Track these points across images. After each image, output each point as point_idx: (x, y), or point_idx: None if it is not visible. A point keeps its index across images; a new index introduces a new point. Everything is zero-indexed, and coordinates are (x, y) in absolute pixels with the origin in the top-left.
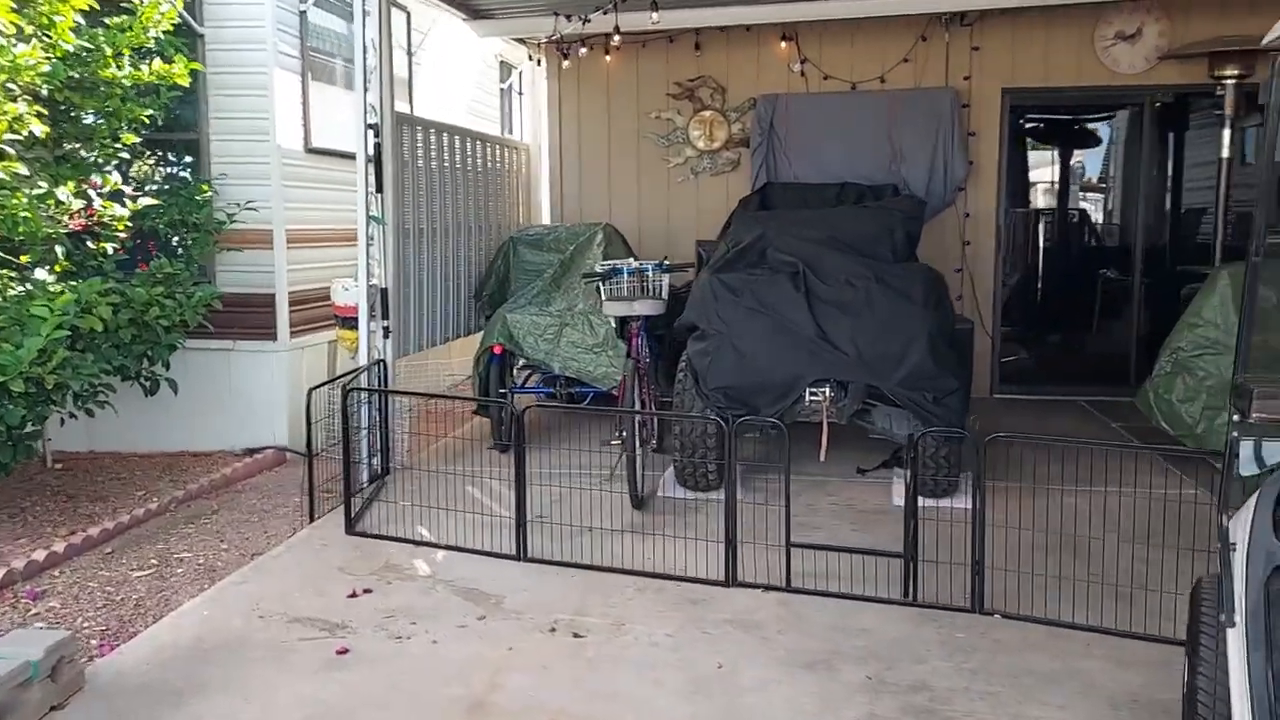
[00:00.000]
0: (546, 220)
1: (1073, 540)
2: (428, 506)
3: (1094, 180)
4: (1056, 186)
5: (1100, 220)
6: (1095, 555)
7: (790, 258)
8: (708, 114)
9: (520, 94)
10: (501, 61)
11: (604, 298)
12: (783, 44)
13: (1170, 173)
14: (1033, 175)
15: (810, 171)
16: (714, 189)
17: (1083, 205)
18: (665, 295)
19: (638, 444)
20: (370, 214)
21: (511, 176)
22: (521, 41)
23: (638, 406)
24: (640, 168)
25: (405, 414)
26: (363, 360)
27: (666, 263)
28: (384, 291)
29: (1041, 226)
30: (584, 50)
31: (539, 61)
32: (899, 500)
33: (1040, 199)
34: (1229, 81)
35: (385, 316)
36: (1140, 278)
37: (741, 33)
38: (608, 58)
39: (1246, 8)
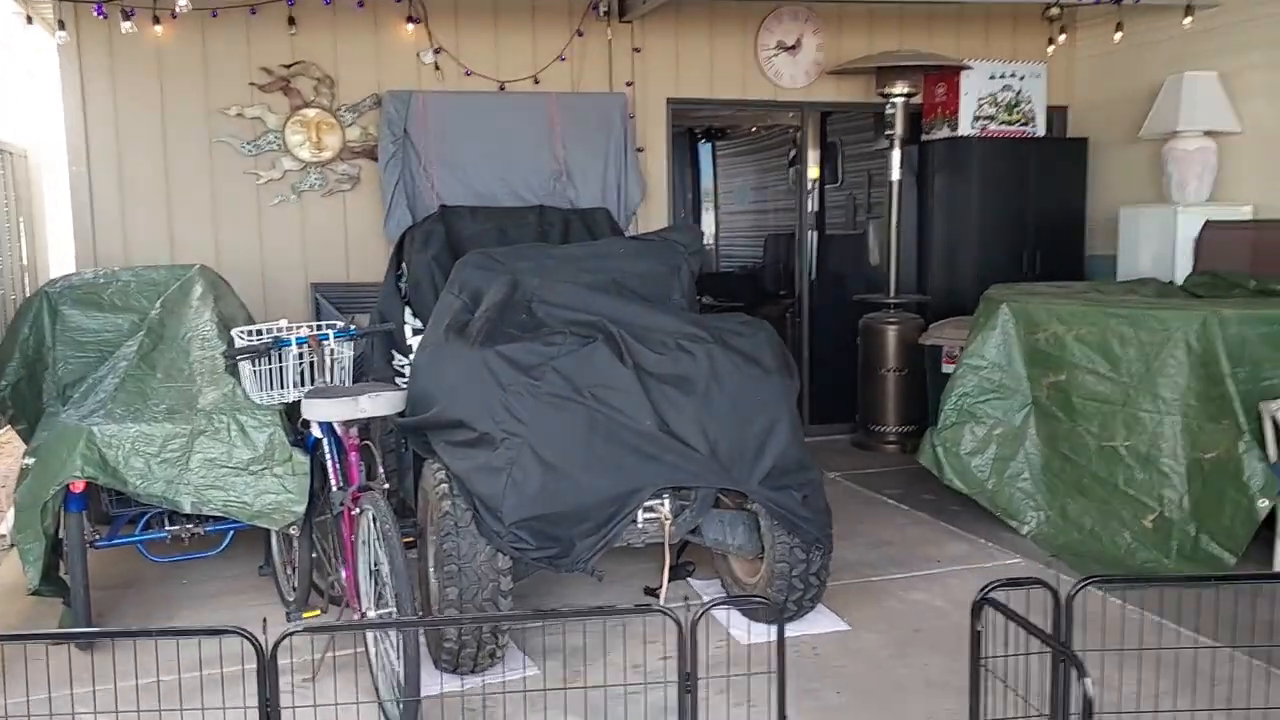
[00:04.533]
0: (62, 266)
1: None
2: None
3: (758, 203)
4: (721, 210)
5: (766, 248)
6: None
7: (584, 314)
8: (312, 113)
9: None
10: None
11: (257, 387)
12: (408, 26)
13: (836, 195)
14: (699, 197)
15: (459, 191)
16: (327, 213)
17: (748, 231)
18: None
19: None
20: None
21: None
22: None
23: (398, 566)
24: (216, 184)
25: None
26: None
27: (354, 328)
28: None
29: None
30: (126, 25)
31: (61, 25)
32: (744, 636)
33: (706, 224)
34: (898, 99)
35: None
36: (810, 310)
37: (352, 7)
38: (158, 28)
39: (893, 24)
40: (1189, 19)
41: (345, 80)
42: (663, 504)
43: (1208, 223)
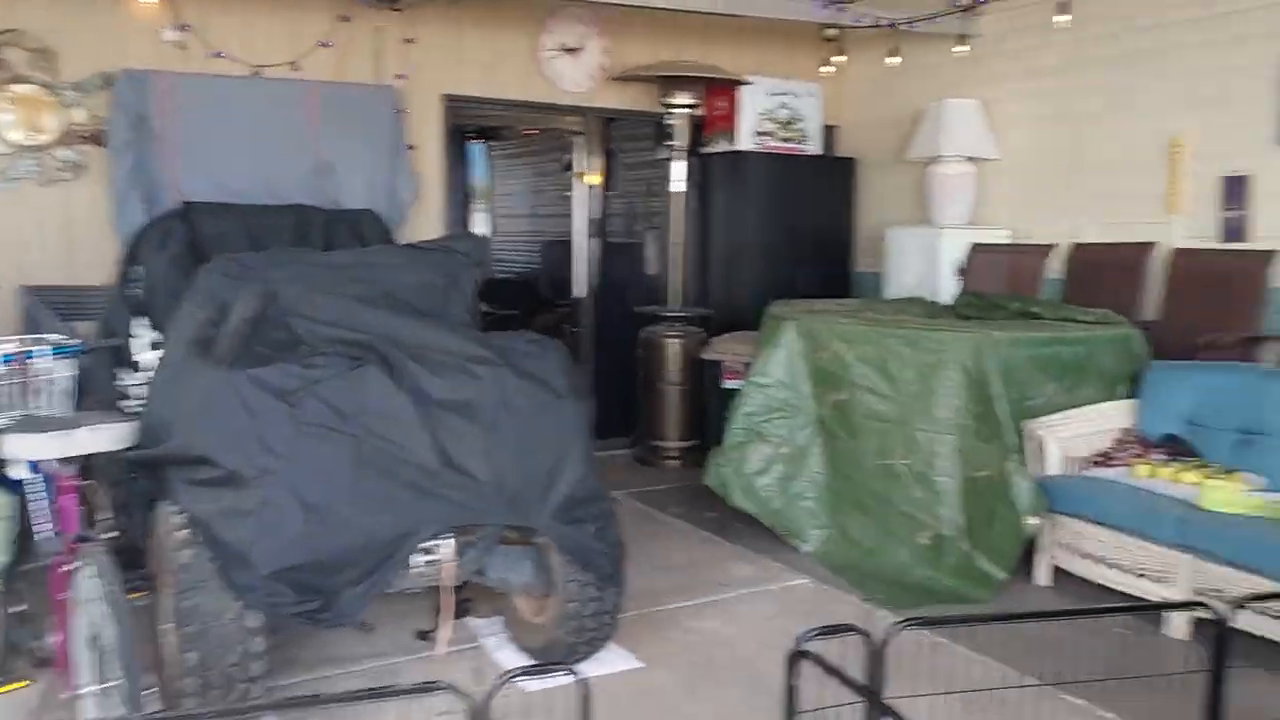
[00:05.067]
0: None
1: None
2: None
3: (535, 208)
4: (496, 214)
5: (544, 255)
6: None
7: (352, 331)
8: (27, 90)
9: None
10: None
11: None
12: None
13: (617, 203)
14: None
15: (205, 185)
16: (46, 205)
17: (524, 236)
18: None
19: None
20: None
21: None
22: None
23: (124, 636)
24: None
25: None
26: None
27: (81, 343)
28: None
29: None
30: None
31: None
32: (532, 682)
33: (477, 227)
34: (679, 110)
35: None
36: (593, 320)
37: None
38: None
39: (676, 34)
40: (965, 47)
41: (69, 54)
42: (442, 545)
43: (975, 245)
